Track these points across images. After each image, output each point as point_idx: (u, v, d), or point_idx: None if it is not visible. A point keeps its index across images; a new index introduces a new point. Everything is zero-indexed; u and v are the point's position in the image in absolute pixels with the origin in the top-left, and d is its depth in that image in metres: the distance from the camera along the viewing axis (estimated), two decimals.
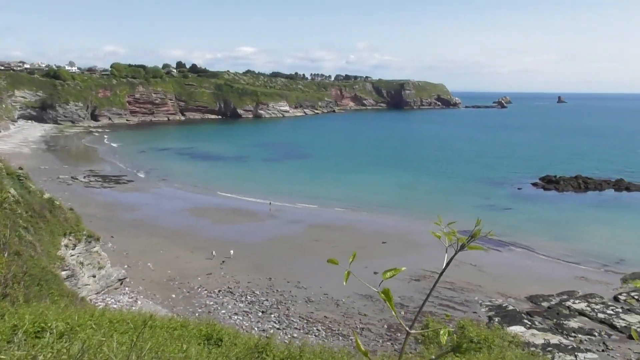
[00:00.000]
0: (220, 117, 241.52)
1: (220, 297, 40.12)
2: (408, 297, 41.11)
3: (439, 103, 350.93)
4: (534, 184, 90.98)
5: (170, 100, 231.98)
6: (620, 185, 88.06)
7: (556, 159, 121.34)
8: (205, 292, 41.02)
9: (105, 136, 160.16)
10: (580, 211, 73.37)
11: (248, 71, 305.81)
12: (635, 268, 48.62)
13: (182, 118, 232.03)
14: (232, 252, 49.47)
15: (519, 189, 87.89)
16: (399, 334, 34.64)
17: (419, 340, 19.30)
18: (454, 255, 2.59)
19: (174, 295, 40.15)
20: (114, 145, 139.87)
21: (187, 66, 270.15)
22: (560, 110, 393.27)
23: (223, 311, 37.43)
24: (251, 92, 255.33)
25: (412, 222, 65.13)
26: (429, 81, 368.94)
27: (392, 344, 33.37)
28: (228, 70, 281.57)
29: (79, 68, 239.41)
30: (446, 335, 2.35)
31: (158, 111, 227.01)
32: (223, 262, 47.39)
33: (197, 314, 34.81)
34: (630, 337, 34.75)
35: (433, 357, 2.41)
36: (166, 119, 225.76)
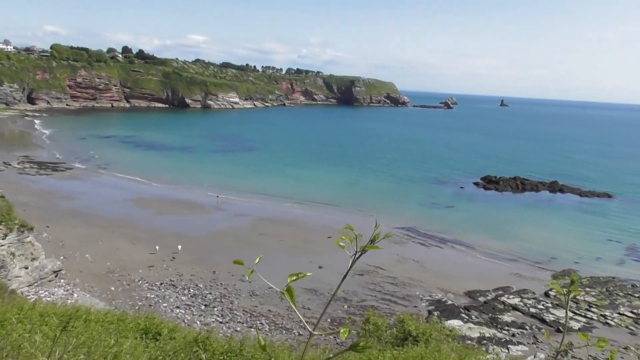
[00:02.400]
0: (167, 105, 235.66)
1: (162, 290, 39.29)
2: (352, 291, 41.62)
3: (388, 101, 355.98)
4: (476, 184, 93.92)
5: (115, 86, 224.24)
6: (554, 187, 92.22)
7: (497, 160, 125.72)
8: (147, 284, 40.05)
9: (38, 121, 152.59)
10: (517, 211, 76.35)
11: (197, 60, 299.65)
12: (565, 265, 51.17)
13: (127, 105, 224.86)
14: (179, 247, 48.10)
15: (461, 188, 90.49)
16: (341, 328, 34.97)
17: (360, 335, 19.57)
18: (356, 259, 2.67)
19: (113, 288, 38.98)
20: (52, 130, 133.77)
21: (134, 52, 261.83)
22: (502, 114, 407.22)
23: (164, 304, 36.69)
24: (200, 82, 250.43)
25: (358, 217, 65.85)
26: (379, 79, 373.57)
27: (334, 337, 33.69)
28: (177, 58, 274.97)
29: (15, 47, 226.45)
30: (346, 333, 2.39)
31: (101, 97, 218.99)
32: (173, 258, 46.06)
33: (137, 307, 33.96)
34: (559, 331, 36.59)
35: (331, 355, 2.45)
36: (110, 105, 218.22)
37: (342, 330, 2.47)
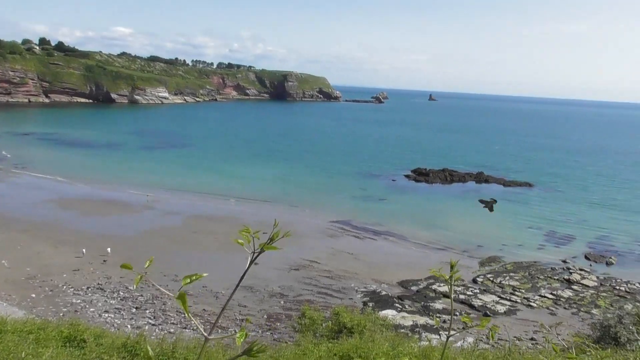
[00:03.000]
0: (91, 101, 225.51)
1: (89, 294, 37.61)
2: (288, 286, 41.62)
3: (321, 96, 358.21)
4: (407, 176, 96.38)
5: (32, 80, 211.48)
6: (480, 178, 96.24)
7: (427, 152, 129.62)
8: (72, 290, 38.18)
9: None
10: (446, 201, 79.09)
11: (123, 53, 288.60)
12: (491, 252, 53.57)
13: (46, 100, 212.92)
14: (109, 249, 46.01)
15: (393, 180, 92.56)
16: (278, 324, 34.98)
17: (296, 329, 19.60)
18: (255, 258, 2.62)
19: (34, 295, 36.85)
20: None
21: (53, 43, 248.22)
22: (431, 108, 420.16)
23: (92, 309, 35.16)
24: (126, 76, 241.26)
25: (292, 212, 66.03)
26: (311, 74, 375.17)
27: (271, 333, 33.63)
28: (101, 51, 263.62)
29: None
30: (242, 337, 2.33)
31: (16, 91, 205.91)
32: (104, 261, 44.04)
33: (61, 314, 32.32)
34: (486, 315, 38.28)
35: None
36: (27, 100, 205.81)
37: (238, 335, 2.39)
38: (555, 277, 47.00)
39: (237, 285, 2.75)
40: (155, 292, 38.76)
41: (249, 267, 2.60)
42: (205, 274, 2.56)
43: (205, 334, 2.38)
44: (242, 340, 2.41)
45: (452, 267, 3.17)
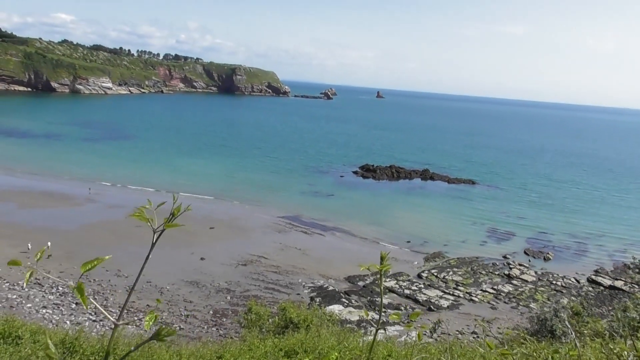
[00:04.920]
0: (29, 89, 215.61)
1: (26, 289, 36.01)
2: (235, 282, 41.25)
3: (270, 90, 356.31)
4: (355, 172, 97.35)
5: None
6: (426, 175, 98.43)
7: (374, 149, 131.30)
8: (7, 284, 36.48)
9: None
10: (393, 198, 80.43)
11: (65, 41, 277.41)
12: (436, 248, 54.92)
13: None
14: (49, 243, 43.86)
15: (341, 176, 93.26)
16: (224, 319, 34.61)
17: (242, 325, 19.45)
18: (158, 236, 2.53)
19: None
20: None
21: None
22: (379, 105, 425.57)
23: (29, 305, 33.70)
24: (68, 65, 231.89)
25: (239, 207, 65.50)
26: (260, 68, 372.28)
27: (217, 329, 33.25)
28: (40, 38, 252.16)
29: None
30: (152, 321, 2.27)
31: None
32: (50, 256, 42.03)
33: None
34: (430, 309, 39.25)
35: (132, 348, 2.37)
36: None
37: (146, 319, 2.31)
38: (496, 272, 48.71)
39: (145, 263, 2.63)
40: (96, 287, 37.58)
41: (152, 247, 2.49)
42: (107, 257, 2.42)
43: (114, 320, 2.28)
44: (150, 323, 2.32)
45: (382, 259, 3.18)
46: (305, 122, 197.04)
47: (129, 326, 31.67)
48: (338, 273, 45.47)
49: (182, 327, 32.74)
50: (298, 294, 40.24)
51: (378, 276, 39.84)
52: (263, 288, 40.87)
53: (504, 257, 53.95)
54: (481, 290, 44.27)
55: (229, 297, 38.47)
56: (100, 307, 2.20)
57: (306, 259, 48.46)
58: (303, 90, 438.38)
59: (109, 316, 2.22)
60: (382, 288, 2.53)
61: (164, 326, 2.26)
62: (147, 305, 35.37)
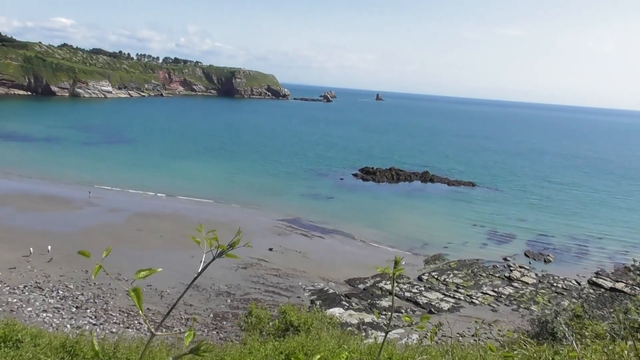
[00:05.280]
0: (29, 93, 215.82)
1: (26, 293, 36.00)
2: (235, 285, 41.21)
3: (269, 93, 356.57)
4: (355, 175, 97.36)
5: None
6: (425, 177, 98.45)
7: (374, 152, 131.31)
8: (7, 288, 36.44)
9: None
10: (393, 200, 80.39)
11: (64, 45, 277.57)
12: (436, 250, 54.89)
13: None
14: (49, 247, 43.88)
15: (341, 179, 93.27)
16: (224, 322, 34.58)
17: (243, 328, 19.41)
18: (211, 261, 2.56)
19: None
20: None
21: None
22: (378, 107, 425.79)
23: (29, 309, 33.67)
24: (68, 68, 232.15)
25: (240, 210, 65.49)
26: (260, 71, 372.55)
27: (217, 332, 33.21)
28: (40, 42, 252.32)
29: None
30: (190, 337, 2.27)
31: None
32: (51, 259, 42.03)
33: None
34: (431, 312, 39.20)
35: (171, 358, 2.35)
36: None
37: (186, 334, 2.31)
38: (497, 275, 48.67)
39: (190, 285, 2.65)
40: (96, 291, 37.52)
41: (206, 267, 2.52)
42: (159, 269, 2.46)
43: (152, 330, 2.28)
44: (190, 339, 2.33)
45: (396, 263, 3.15)
46: (304, 125, 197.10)
47: (129, 329, 31.66)
48: (338, 276, 45.42)
49: (182, 330, 32.65)
50: (298, 297, 40.19)
51: (378, 279, 39.67)
52: (263, 291, 40.82)
53: (505, 259, 53.92)
54: (482, 292, 44.22)
55: (229, 301, 38.43)
56: (143, 316, 2.22)
57: (306, 262, 48.42)
58: (303, 93, 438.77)
59: (148, 325, 2.22)
60: (393, 291, 2.52)
61: (203, 341, 2.27)
62: (147, 308, 35.34)
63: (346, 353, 10.01)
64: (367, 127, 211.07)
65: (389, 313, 38.24)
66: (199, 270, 2.53)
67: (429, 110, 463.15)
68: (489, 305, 42.03)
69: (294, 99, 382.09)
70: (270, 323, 18.59)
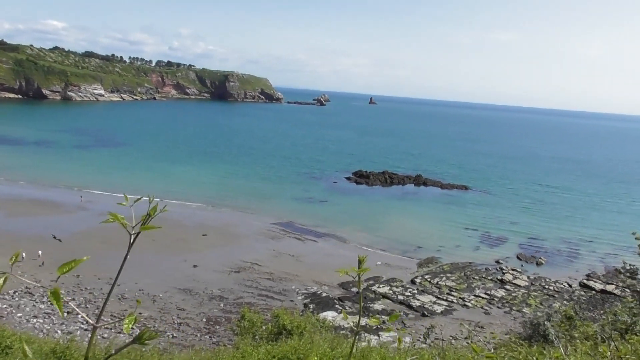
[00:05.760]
0: (20, 96, 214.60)
1: (16, 298, 35.72)
2: (228, 289, 41.09)
3: (263, 97, 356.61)
4: (348, 178, 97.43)
5: None
6: (419, 181, 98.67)
7: (367, 155, 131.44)
8: None
9: None
10: (386, 203, 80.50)
11: (56, 48, 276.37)
12: (429, 254, 54.99)
13: None
14: (40, 252, 43.68)
15: (334, 182, 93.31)
16: (217, 327, 34.44)
17: (235, 332, 19.37)
18: (134, 239, 2.49)
19: None
20: None
21: None
22: (371, 111, 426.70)
23: (19, 314, 33.41)
24: (59, 72, 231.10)
25: (232, 214, 65.33)
26: (253, 74, 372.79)
27: (210, 337, 33.08)
28: (31, 45, 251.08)
29: None
30: (131, 323, 2.23)
31: None
32: (42, 264, 41.77)
33: None
34: (423, 315, 39.26)
35: (113, 351, 2.33)
36: None
37: (125, 322, 2.27)
38: (490, 277, 48.82)
39: (121, 268, 2.60)
40: (88, 295, 37.32)
41: (129, 249, 2.46)
42: (85, 258, 2.38)
43: (92, 322, 2.26)
44: (130, 326, 2.29)
45: (360, 262, 3.15)
46: (298, 128, 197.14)
47: (121, 335, 31.46)
48: (331, 279, 45.38)
49: (175, 335, 32.54)
50: (291, 300, 40.13)
51: (372, 282, 39.54)
52: (256, 295, 40.73)
53: (497, 262, 54.11)
54: (474, 295, 44.34)
55: (222, 305, 38.31)
56: (76, 309, 2.17)
57: (300, 266, 48.37)
58: (296, 97, 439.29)
59: (87, 319, 2.19)
60: (360, 291, 2.52)
61: (145, 329, 2.23)
62: (140, 313, 35.16)
63: (315, 358, 9.99)
64: (361, 130, 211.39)
65: (383, 316, 38.27)
66: (128, 249, 2.46)
67: (423, 114, 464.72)
68: (482, 307, 42.14)
69: (288, 102, 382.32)
70: (264, 327, 18.57)
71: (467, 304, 42.45)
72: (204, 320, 35.42)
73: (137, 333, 2.28)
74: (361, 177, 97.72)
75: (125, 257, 2.42)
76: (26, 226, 52.33)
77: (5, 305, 34.50)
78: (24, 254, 42.90)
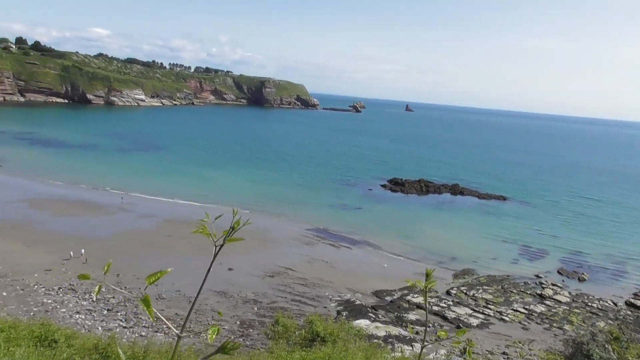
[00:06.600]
0: (66, 101, 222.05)
1: (61, 294, 36.82)
2: (262, 293, 41.29)
3: (299, 103, 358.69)
4: (383, 186, 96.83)
5: (8, 78, 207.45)
6: (455, 190, 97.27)
7: (403, 163, 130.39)
8: (43, 289, 37.35)
9: None
10: (421, 212, 79.61)
11: (100, 54, 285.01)
12: (465, 265, 53.99)
13: (22, 99, 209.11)
14: (83, 251, 45.09)
15: (369, 189, 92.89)
16: (251, 330, 34.63)
17: (269, 336, 19.40)
18: (219, 249, 2.52)
19: (4, 294, 35.95)
20: None
21: (29, 43, 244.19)
22: (407, 118, 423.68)
23: (63, 310, 34.39)
24: (103, 77, 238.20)
25: (268, 219, 65.65)
26: (289, 81, 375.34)
27: (244, 340, 33.25)
28: (77, 52, 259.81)
29: None
30: (215, 334, 2.24)
31: None
32: (85, 261, 43.15)
33: (32, 314, 31.54)
34: (459, 327, 38.50)
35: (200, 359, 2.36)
36: (2, 98, 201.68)
37: (209, 332, 2.28)
38: (528, 292, 47.56)
39: (204, 280, 2.65)
40: (127, 294, 38.07)
41: (214, 260, 2.49)
42: (169, 269, 2.43)
43: (177, 332, 2.27)
44: (214, 336, 2.30)
45: (427, 275, 3.05)
46: (333, 135, 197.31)
47: (158, 333, 31.96)
48: (365, 287, 45.07)
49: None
50: (325, 307, 40.01)
51: (406, 292, 39.28)
52: (290, 300, 40.78)
53: (537, 276, 52.69)
54: (512, 309, 43.25)
55: (255, 308, 38.51)
56: (164, 320, 2.22)
57: (333, 272, 48.23)
58: (332, 103, 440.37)
59: (172, 328, 2.23)
60: (426, 305, 2.46)
61: (228, 340, 2.25)
62: (176, 313, 35.69)
63: None
64: (396, 138, 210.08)
65: (417, 327, 37.74)
66: (212, 260, 2.51)
67: (460, 122, 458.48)
68: (520, 322, 41.08)
69: (323, 108, 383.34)
70: (297, 332, 18.53)
71: (504, 317, 41.45)
72: (238, 323, 35.66)
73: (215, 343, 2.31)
74: (396, 185, 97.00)
75: (208, 269, 2.52)
76: (70, 226, 53.92)
77: (50, 301, 35.60)
78: (71, 253, 44.37)
